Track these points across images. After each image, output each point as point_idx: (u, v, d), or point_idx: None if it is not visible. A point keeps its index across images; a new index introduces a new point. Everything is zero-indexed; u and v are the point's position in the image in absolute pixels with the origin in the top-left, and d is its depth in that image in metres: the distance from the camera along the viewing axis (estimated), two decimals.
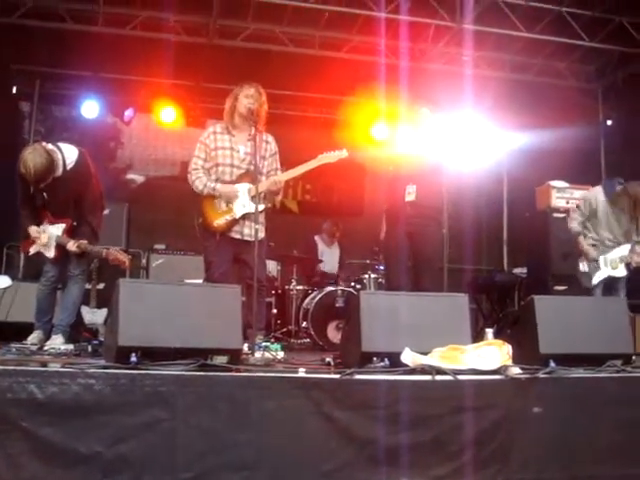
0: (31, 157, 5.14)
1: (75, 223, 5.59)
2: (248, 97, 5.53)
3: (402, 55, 9.10)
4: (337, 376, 3.73)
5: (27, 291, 6.54)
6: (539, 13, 8.53)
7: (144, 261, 9.00)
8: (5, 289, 6.33)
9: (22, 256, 9.00)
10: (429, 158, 6.26)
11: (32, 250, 5.61)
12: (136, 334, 3.64)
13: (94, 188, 5.69)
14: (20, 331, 5.78)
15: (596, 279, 6.52)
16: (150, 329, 3.69)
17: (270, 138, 5.70)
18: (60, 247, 5.50)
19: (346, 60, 9.37)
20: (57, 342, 5.27)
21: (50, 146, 5.35)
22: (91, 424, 3.34)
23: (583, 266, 6.61)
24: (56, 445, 3.29)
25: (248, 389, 3.58)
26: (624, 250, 6.52)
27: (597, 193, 6.69)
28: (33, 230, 5.50)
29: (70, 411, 3.32)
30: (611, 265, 6.51)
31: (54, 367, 3.44)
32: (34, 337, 5.44)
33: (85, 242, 5.44)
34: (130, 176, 11.03)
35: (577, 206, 6.84)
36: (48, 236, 5.52)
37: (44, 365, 3.46)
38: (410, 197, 6.11)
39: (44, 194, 5.44)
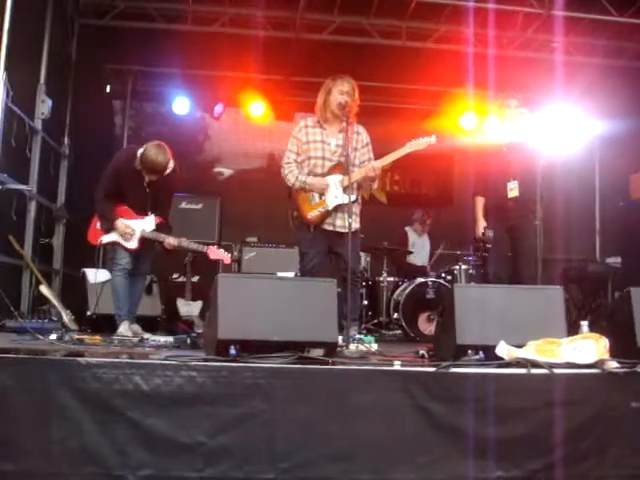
0: (155, 151, 5.60)
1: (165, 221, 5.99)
2: (342, 93, 5.54)
3: (490, 44, 8.96)
4: (433, 369, 3.74)
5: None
6: None
7: (236, 254, 9.16)
8: (105, 282, 6.54)
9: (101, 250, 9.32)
10: (523, 149, 6.18)
11: (104, 240, 5.88)
12: (235, 327, 3.73)
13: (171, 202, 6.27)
14: (109, 322, 6.04)
15: None
16: (248, 322, 3.77)
17: (361, 129, 5.72)
18: (143, 240, 5.81)
19: (434, 50, 9.33)
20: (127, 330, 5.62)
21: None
22: (193, 415, 3.45)
23: None
24: (160, 434, 3.41)
25: (345, 382, 3.62)
26: None
27: None
28: (122, 222, 5.78)
29: (173, 402, 3.44)
30: None
31: (158, 360, 3.55)
32: (128, 328, 5.71)
33: (185, 239, 5.71)
34: (219, 169, 11.25)
35: None
36: (134, 229, 5.80)
37: (152, 358, 3.57)
38: (513, 193, 6.04)
39: (147, 189, 5.77)
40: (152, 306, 7.06)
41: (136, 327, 5.76)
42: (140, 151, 5.64)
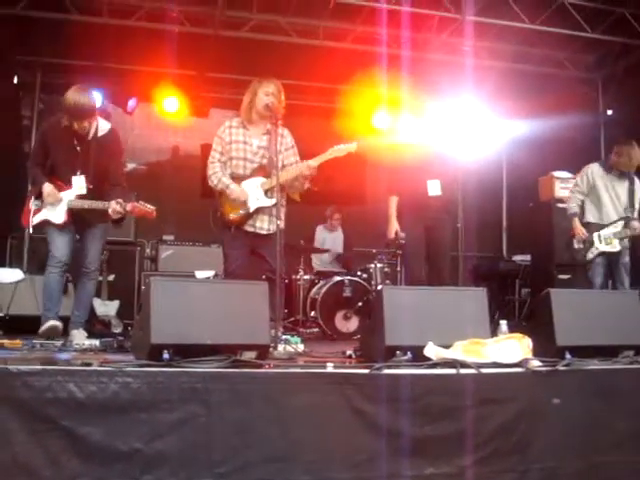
0: (76, 92, 5.39)
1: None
2: (268, 95, 5.57)
3: (405, 45, 9.13)
4: (366, 371, 3.80)
5: (31, 284, 6.61)
6: (541, 3, 8.61)
7: (151, 252, 9.05)
8: (18, 282, 6.35)
9: (26, 248, 9.06)
10: (437, 148, 6.32)
11: (35, 220, 5.58)
12: (168, 331, 3.68)
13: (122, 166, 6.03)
14: (24, 325, 5.85)
15: (590, 255, 6.69)
16: (181, 326, 3.73)
17: (286, 132, 5.75)
18: (70, 212, 5.54)
19: (349, 50, 9.41)
20: (81, 337, 5.33)
21: None
22: (129, 421, 3.39)
23: (577, 243, 6.79)
24: (96, 443, 3.33)
25: (280, 385, 3.63)
26: (618, 226, 6.69)
27: (594, 166, 6.88)
28: (49, 186, 5.50)
29: (109, 409, 3.37)
30: (605, 241, 6.67)
31: (93, 366, 3.48)
32: (52, 327, 5.44)
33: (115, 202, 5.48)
34: (131, 165, 11.03)
35: (575, 184, 6.98)
36: (61, 197, 5.53)
37: (85, 364, 3.49)
38: (435, 192, 6.16)
39: (78, 148, 5.54)
40: (66, 306, 6.86)
41: (82, 333, 5.55)
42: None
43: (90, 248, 5.72)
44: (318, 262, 9.47)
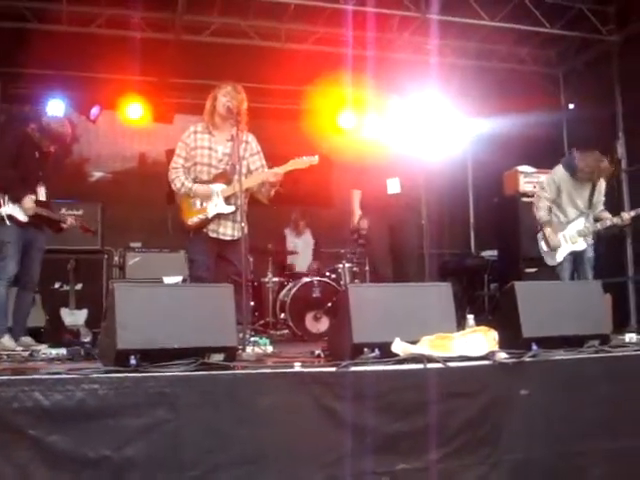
0: (61, 125, 6.13)
1: None
2: (225, 95, 5.58)
3: (368, 45, 9.16)
4: (333, 369, 3.81)
5: None
6: (501, 0, 8.69)
7: (119, 259, 9.01)
8: None
9: None
10: (400, 147, 6.36)
11: (3, 211, 5.75)
12: (134, 337, 3.66)
13: None
14: None
15: (559, 256, 6.77)
16: (147, 331, 3.71)
17: (250, 138, 5.77)
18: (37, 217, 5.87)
19: (312, 51, 9.44)
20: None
21: None
22: (97, 428, 3.35)
23: (544, 245, 6.86)
24: (64, 451, 3.29)
25: (249, 386, 3.63)
26: (580, 224, 6.78)
27: (558, 170, 6.93)
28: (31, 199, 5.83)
29: (76, 417, 3.33)
30: (571, 240, 6.76)
31: (58, 374, 3.45)
32: (10, 340, 5.52)
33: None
34: (96, 173, 10.96)
35: (542, 189, 7.03)
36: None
37: (52, 373, 3.46)
38: (394, 189, 6.20)
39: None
40: (35, 317, 6.84)
41: (28, 340, 5.57)
42: None
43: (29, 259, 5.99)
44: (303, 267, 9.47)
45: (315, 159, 5.66)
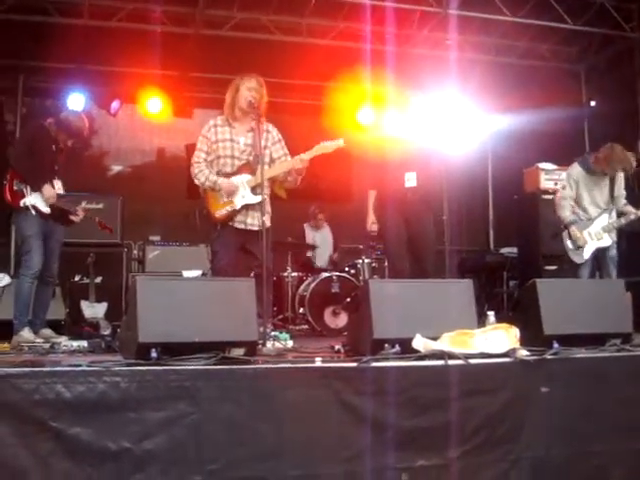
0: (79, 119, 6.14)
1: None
2: (250, 90, 5.55)
3: (388, 41, 9.14)
4: (354, 364, 3.81)
5: None
6: None
7: (139, 253, 9.05)
8: (4, 287, 6.33)
9: (12, 252, 9.03)
10: (420, 142, 6.34)
11: (22, 203, 5.77)
12: (155, 330, 3.67)
13: None
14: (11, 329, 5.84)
15: (586, 254, 6.72)
16: (169, 324, 3.72)
17: (271, 127, 5.74)
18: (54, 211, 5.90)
19: (332, 47, 9.43)
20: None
21: None
22: (119, 421, 3.38)
23: (571, 244, 6.81)
24: (85, 443, 3.32)
25: (269, 380, 3.63)
26: (604, 220, 6.73)
27: (574, 168, 6.90)
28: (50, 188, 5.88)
29: (98, 409, 3.36)
30: (596, 237, 6.71)
31: (81, 366, 3.46)
32: (29, 333, 5.55)
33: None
34: (116, 167, 11.02)
35: (563, 188, 6.98)
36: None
37: (74, 365, 3.48)
38: (410, 183, 6.18)
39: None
40: (55, 310, 6.86)
41: (48, 332, 5.60)
42: None
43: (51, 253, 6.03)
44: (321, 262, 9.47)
45: (341, 142, 5.58)
